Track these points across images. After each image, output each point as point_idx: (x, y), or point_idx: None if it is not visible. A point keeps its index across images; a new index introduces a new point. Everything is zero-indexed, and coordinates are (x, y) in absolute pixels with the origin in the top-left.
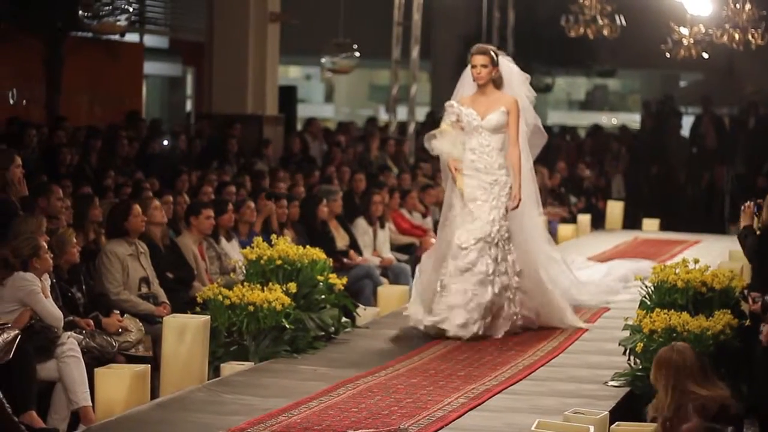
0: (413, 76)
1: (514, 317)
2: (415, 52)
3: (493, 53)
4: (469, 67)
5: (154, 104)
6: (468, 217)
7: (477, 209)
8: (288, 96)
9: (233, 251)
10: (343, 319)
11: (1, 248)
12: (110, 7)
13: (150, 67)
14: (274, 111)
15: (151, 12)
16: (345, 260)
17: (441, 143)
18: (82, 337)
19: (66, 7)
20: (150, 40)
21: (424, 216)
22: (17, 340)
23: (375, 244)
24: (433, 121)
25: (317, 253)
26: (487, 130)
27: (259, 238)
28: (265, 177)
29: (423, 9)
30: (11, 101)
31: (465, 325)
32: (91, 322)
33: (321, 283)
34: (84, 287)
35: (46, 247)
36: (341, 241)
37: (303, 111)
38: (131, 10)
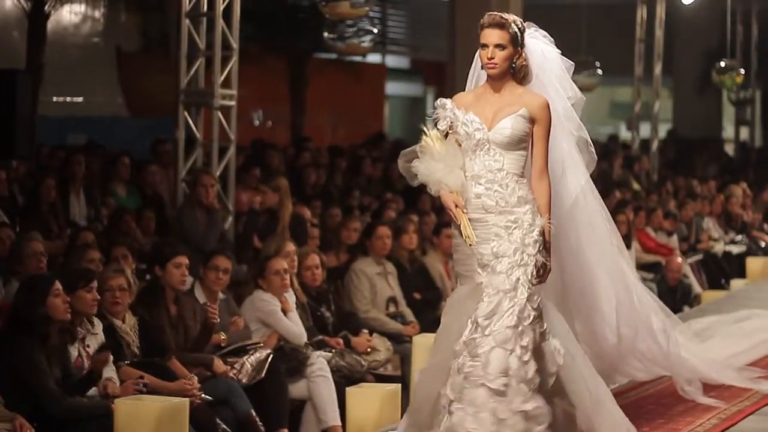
0: (656, 92)
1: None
2: (657, 68)
3: (516, 27)
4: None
5: (395, 124)
6: (475, 298)
7: (489, 276)
8: None
9: None
10: None
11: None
12: (355, 28)
13: (391, 88)
14: None
15: (393, 33)
16: None
17: (428, 166)
18: (331, 356)
19: (310, 29)
20: (391, 61)
21: (670, 234)
22: (269, 360)
23: None
24: (675, 138)
25: None
26: (498, 146)
27: None
28: None
29: (665, 25)
30: (256, 122)
31: None
32: (341, 341)
33: None
34: (333, 306)
35: (279, 268)
36: None
37: None
38: (375, 31)
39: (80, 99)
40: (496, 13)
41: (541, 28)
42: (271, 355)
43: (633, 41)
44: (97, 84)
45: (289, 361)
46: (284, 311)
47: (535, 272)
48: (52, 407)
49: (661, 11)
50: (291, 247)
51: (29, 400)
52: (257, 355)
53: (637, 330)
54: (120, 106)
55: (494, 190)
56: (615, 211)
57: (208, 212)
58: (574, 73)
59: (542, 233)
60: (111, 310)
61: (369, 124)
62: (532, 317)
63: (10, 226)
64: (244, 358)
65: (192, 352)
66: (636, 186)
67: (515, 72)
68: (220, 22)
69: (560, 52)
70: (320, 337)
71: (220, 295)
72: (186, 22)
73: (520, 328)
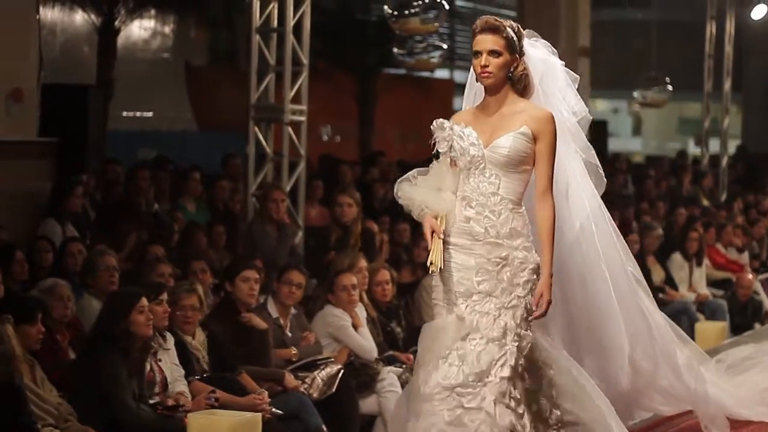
0: (725, 108)
1: None
2: (726, 84)
3: (511, 32)
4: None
5: None
6: (455, 329)
7: (474, 314)
8: (599, 130)
9: None
10: None
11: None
12: (424, 44)
13: (459, 103)
14: None
15: (462, 48)
16: (661, 296)
17: (412, 188)
18: (401, 371)
19: (379, 45)
20: (459, 76)
21: (740, 251)
22: (339, 375)
23: (691, 279)
24: (744, 154)
25: None
26: (494, 166)
27: None
28: None
29: (734, 41)
30: (325, 138)
31: None
32: (411, 356)
33: None
34: (403, 322)
35: (347, 284)
36: (657, 276)
37: (611, 145)
38: (444, 47)
39: (150, 114)
40: (489, 16)
41: (611, 44)
42: (342, 371)
43: (702, 57)
44: (167, 99)
45: (359, 376)
46: (355, 326)
47: (525, 315)
48: (128, 421)
49: (730, 27)
50: (363, 262)
51: (103, 413)
52: (328, 370)
53: (657, 364)
54: (189, 121)
55: (485, 215)
56: (685, 227)
57: (278, 227)
58: (644, 88)
59: (536, 272)
60: (182, 328)
61: None
62: (521, 366)
63: (81, 240)
64: (315, 373)
65: (255, 364)
66: (705, 202)
67: (514, 83)
68: (291, 38)
69: (564, 63)
70: (391, 352)
71: (292, 310)
72: (256, 38)
73: (514, 379)
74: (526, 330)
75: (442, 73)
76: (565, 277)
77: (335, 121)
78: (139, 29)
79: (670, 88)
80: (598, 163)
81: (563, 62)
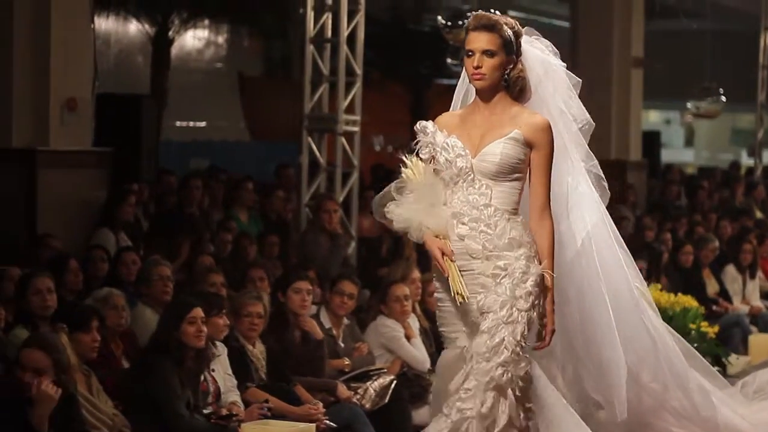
0: None
1: None
2: None
3: (509, 31)
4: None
5: None
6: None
7: (477, 336)
8: (651, 141)
9: None
10: (715, 368)
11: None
12: None
13: None
14: (637, 156)
15: None
16: (714, 308)
17: (406, 209)
18: None
19: (432, 55)
20: None
21: None
22: (392, 386)
23: (744, 291)
24: None
25: (689, 301)
26: (484, 176)
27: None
28: (629, 223)
29: None
30: (377, 148)
31: None
32: None
33: (693, 331)
34: None
35: (400, 294)
36: (712, 288)
37: (663, 156)
38: None
39: (203, 123)
40: (484, 13)
41: (664, 54)
42: (395, 381)
43: (756, 67)
44: (220, 109)
45: (412, 387)
46: (408, 337)
47: (526, 332)
48: (181, 431)
49: None
50: (416, 273)
51: (157, 423)
52: (380, 380)
53: (666, 385)
54: (242, 131)
55: (480, 230)
56: (739, 239)
57: (331, 237)
58: (697, 99)
59: (538, 284)
60: (246, 335)
61: None
62: (523, 384)
63: (134, 249)
64: (368, 383)
65: (310, 374)
66: (759, 214)
67: (509, 86)
68: (344, 48)
69: (565, 65)
70: None
71: (345, 321)
72: (310, 48)
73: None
74: (525, 347)
75: None
76: (563, 292)
77: (388, 131)
78: (192, 39)
79: (723, 98)
80: (602, 174)
81: (564, 64)
